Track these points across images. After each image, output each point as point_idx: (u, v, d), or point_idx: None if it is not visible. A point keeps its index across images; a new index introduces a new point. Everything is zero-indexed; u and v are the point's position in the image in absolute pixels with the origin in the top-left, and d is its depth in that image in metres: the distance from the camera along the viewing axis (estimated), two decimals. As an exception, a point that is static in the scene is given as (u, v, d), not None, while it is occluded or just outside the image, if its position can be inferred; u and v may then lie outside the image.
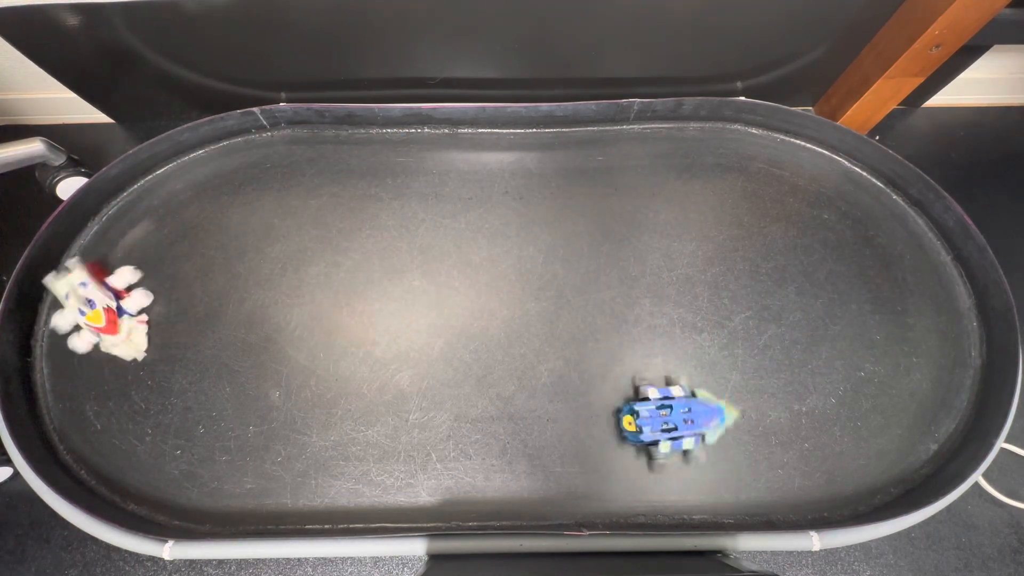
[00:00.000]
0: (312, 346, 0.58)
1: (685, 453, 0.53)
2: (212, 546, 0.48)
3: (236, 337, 0.58)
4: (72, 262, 0.56)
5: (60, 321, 0.56)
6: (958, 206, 0.62)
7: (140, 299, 0.58)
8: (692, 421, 0.52)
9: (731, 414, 0.55)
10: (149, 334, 0.58)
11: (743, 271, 0.62)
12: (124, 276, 0.59)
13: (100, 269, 0.59)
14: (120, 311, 0.57)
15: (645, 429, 0.51)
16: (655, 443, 0.51)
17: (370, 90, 0.77)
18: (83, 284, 0.55)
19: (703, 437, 0.53)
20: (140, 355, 0.57)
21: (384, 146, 0.70)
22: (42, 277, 0.59)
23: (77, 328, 0.57)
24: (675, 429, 0.52)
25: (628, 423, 0.53)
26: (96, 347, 0.56)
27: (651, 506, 0.52)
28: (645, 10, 0.65)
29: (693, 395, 0.55)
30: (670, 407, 0.52)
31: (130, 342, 0.57)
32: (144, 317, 0.58)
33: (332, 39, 0.68)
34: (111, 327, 0.55)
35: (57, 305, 0.58)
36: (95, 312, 0.54)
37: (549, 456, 0.54)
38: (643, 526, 0.51)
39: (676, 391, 0.54)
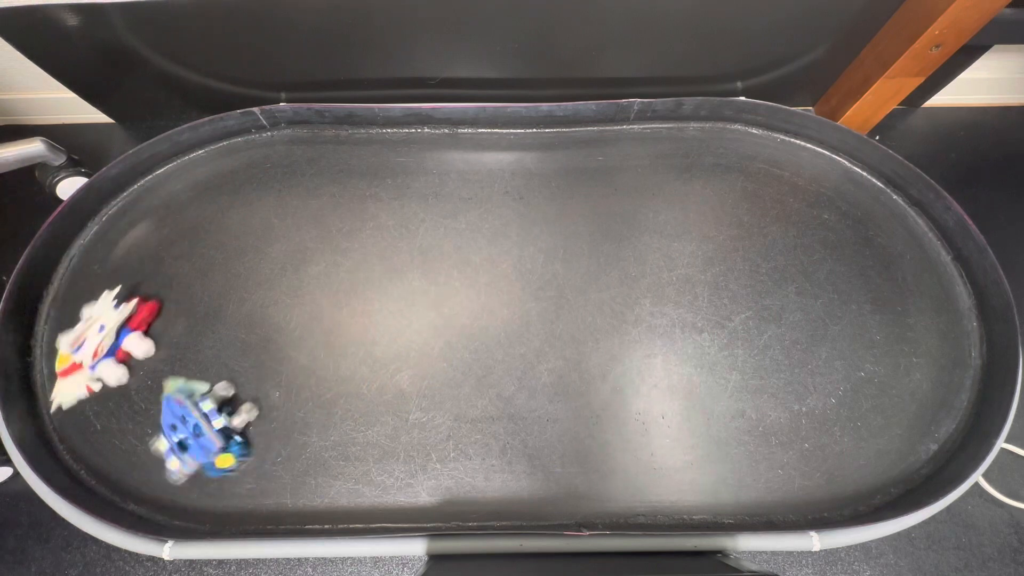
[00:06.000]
0: (312, 346, 0.58)
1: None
2: (212, 546, 0.48)
3: (236, 337, 0.58)
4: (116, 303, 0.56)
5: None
6: (958, 206, 0.62)
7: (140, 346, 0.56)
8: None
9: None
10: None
11: (743, 271, 0.62)
12: (142, 346, 0.56)
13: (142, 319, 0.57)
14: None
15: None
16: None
17: (370, 90, 0.77)
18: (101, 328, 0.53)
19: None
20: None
21: (384, 146, 0.70)
22: (42, 277, 0.59)
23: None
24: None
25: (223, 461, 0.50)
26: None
27: (651, 506, 0.52)
28: (645, 10, 0.65)
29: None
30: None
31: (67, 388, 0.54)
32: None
33: (332, 39, 0.68)
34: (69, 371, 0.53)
35: (58, 306, 0.58)
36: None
37: (549, 456, 0.54)
38: (643, 526, 0.51)
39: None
